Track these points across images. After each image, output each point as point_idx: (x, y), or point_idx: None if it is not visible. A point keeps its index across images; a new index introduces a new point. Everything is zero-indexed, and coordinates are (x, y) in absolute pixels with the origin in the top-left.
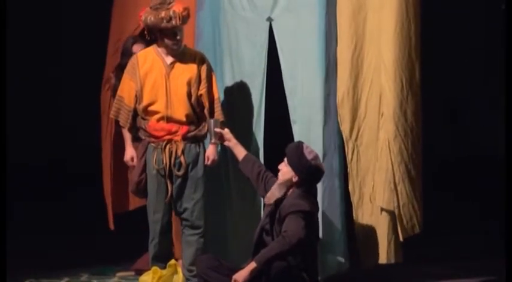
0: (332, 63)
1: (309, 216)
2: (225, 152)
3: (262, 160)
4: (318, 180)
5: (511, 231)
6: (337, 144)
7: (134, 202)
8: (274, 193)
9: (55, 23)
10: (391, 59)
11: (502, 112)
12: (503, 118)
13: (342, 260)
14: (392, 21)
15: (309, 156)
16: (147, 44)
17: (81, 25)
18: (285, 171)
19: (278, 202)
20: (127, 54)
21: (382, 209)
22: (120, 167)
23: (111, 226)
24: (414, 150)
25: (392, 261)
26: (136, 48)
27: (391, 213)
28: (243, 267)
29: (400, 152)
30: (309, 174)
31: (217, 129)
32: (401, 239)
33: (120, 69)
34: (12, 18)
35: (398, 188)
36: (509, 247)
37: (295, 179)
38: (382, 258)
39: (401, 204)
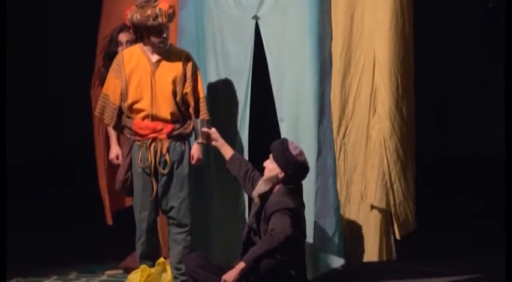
0: (327, 61)
1: (295, 213)
2: (208, 151)
3: (247, 158)
4: (304, 176)
5: (510, 229)
6: (332, 142)
7: (129, 200)
8: (259, 188)
9: (48, 20)
10: (386, 57)
11: (498, 112)
12: (496, 119)
13: (335, 257)
14: (387, 18)
15: (294, 152)
16: None
17: (76, 21)
18: (271, 168)
19: (263, 201)
20: (113, 42)
21: (374, 207)
22: (114, 164)
23: (109, 221)
24: (409, 149)
25: (385, 258)
26: (122, 36)
27: (382, 211)
28: (232, 267)
29: (396, 151)
30: (295, 170)
31: (204, 129)
32: (398, 236)
33: (107, 58)
34: (10, 18)
35: (395, 186)
36: (509, 246)
37: (281, 176)
38: (374, 256)
39: (397, 202)
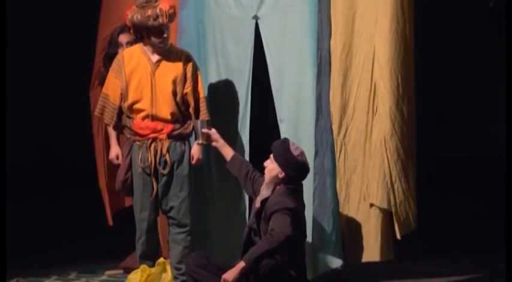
0: (324, 61)
1: (295, 213)
2: (209, 151)
3: (247, 159)
4: (304, 177)
5: (510, 229)
6: (329, 142)
7: (129, 199)
8: (262, 194)
9: (49, 20)
10: (387, 57)
11: (498, 112)
12: (496, 119)
13: (333, 257)
14: (387, 18)
15: (295, 152)
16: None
17: (76, 22)
18: (271, 168)
19: (264, 201)
20: (114, 43)
21: (375, 207)
22: (114, 164)
23: (110, 222)
24: (409, 148)
25: (385, 258)
26: (122, 38)
27: (382, 211)
28: (232, 267)
29: (396, 150)
30: (295, 170)
31: (205, 130)
32: (398, 237)
33: (107, 59)
34: (10, 18)
35: (395, 186)
36: (509, 246)
37: (281, 176)
38: (374, 256)
39: (398, 202)
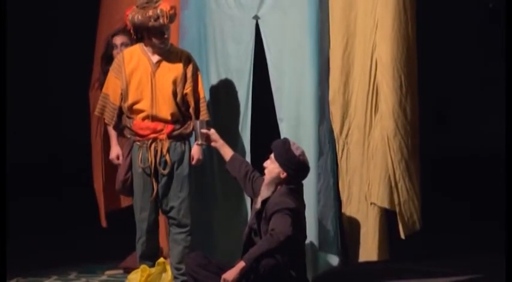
0: (325, 61)
1: (295, 213)
2: (211, 152)
3: (248, 159)
4: (305, 177)
5: (510, 229)
6: (331, 142)
7: (126, 200)
8: (263, 195)
9: (49, 20)
10: (389, 56)
11: (498, 112)
12: (496, 118)
13: (334, 256)
14: (389, 17)
15: (297, 152)
16: (128, 35)
17: (76, 23)
18: (272, 168)
19: (264, 201)
20: (109, 46)
21: (374, 207)
22: (111, 165)
23: (104, 223)
24: (413, 148)
25: (385, 258)
26: (116, 39)
27: (382, 211)
28: (232, 266)
29: (400, 149)
30: (296, 170)
31: (204, 130)
32: (402, 236)
33: (105, 62)
34: (10, 19)
35: (399, 186)
36: (509, 246)
37: (283, 176)
38: (373, 256)
39: (402, 201)
